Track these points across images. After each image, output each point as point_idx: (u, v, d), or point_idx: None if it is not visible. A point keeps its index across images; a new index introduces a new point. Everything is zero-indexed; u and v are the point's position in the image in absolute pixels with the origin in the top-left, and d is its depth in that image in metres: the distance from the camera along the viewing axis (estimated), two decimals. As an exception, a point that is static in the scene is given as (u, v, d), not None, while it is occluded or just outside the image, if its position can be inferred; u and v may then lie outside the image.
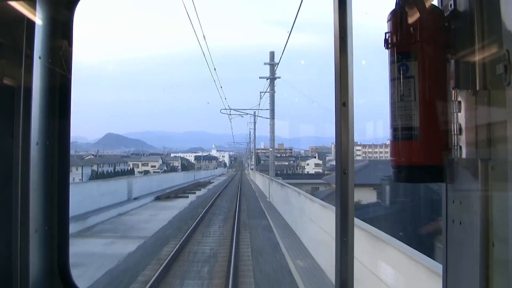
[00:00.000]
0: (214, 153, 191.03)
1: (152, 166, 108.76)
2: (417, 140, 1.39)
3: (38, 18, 1.89)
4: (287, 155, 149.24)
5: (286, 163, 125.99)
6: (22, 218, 1.84)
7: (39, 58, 1.89)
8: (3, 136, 1.88)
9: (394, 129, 1.43)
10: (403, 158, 1.43)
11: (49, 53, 1.95)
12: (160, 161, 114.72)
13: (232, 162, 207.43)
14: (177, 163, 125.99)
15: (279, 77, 36.26)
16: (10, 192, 1.84)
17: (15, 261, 1.84)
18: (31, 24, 1.87)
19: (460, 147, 1.25)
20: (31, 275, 1.86)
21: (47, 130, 1.96)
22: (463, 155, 1.24)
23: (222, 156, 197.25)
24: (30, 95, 1.85)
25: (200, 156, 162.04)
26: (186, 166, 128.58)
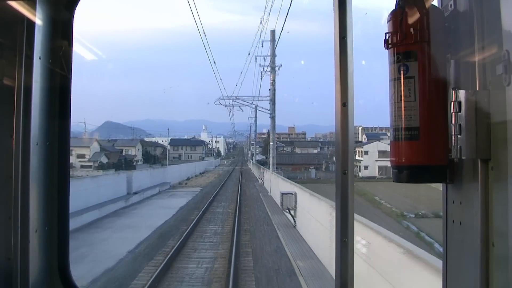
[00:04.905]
0: (204, 137, 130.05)
1: (79, 156, 59.29)
2: (417, 140, 1.38)
3: (38, 18, 1.89)
4: (301, 140, 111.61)
5: (315, 151, 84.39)
6: (22, 218, 1.84)
7: (39, 58, 1.89)
8: (3, 136, 1.88)
9: (394, 129, 1.43)
10: (403, 158, 1.43)
11: (49, 53, 1.95)
12: (97, 147, 64.30)
13: (231, 150, 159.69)
14: (133, 151, 72.91)
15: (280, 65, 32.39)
16: (10, 192, 1.84)
17: (15, 261, 1.84)
18: (31, 24, 1.87)
19: (460, 147, 1.24)
20: (31, 275, 1.86)
21: (47, 130, 1.96)
22: (463, 155, 1.24)
23: (216, 141, 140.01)
24: (30, 95, 1.85)
25: (178, 140, 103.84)
26: (156, 156, 78.25)
